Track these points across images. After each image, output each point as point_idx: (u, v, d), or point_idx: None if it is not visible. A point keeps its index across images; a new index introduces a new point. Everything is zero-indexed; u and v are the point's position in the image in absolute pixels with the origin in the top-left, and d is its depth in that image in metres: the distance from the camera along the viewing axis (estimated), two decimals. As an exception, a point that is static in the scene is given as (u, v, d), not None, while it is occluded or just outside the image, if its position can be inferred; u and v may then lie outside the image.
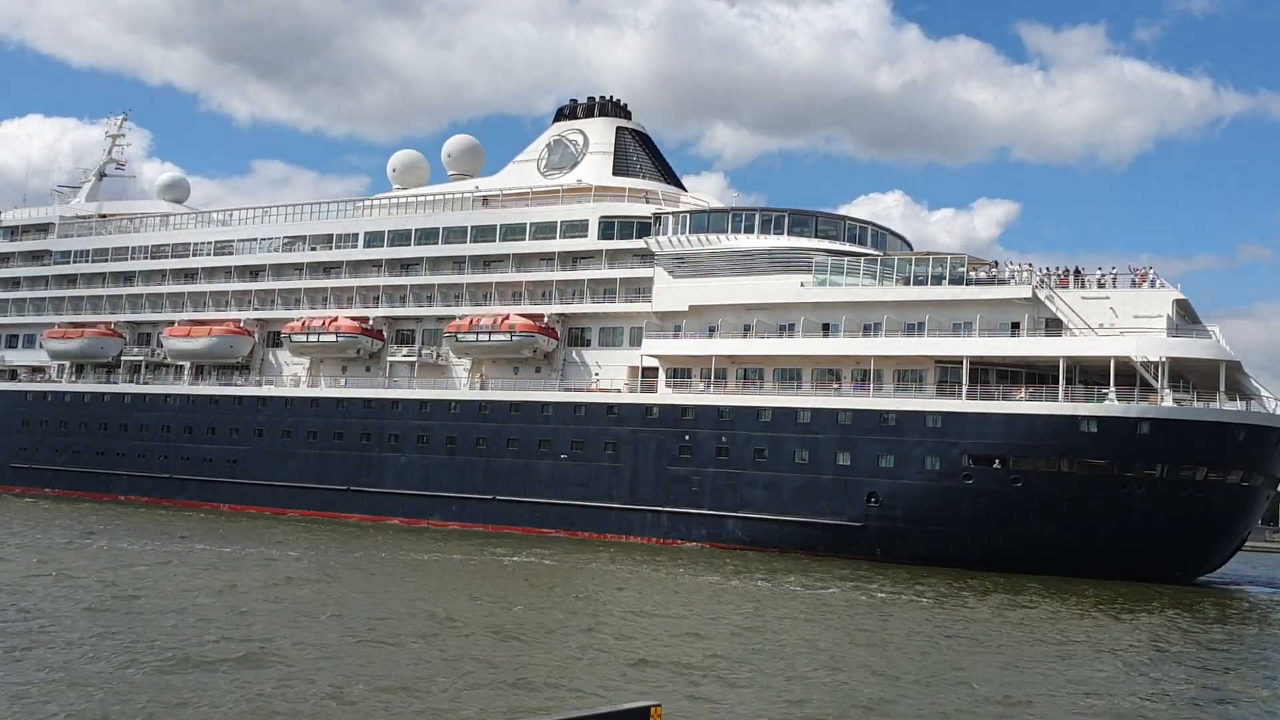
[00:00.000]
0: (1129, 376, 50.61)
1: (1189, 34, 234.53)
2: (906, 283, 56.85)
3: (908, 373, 56.04)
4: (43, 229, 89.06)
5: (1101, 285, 53.10)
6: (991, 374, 53.92)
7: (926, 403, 53.47)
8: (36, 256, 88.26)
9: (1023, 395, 51.79)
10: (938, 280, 56.18)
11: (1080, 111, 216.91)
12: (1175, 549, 50.76)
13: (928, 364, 55.36)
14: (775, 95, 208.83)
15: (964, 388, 53.00)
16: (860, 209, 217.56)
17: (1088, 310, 52.34)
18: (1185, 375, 51.62)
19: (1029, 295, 53.16)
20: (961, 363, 53.35)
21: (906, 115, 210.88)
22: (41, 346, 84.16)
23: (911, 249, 65.81)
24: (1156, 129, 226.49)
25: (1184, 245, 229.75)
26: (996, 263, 56.93)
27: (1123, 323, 51.54)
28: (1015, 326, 53.70)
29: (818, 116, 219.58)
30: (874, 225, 63.37)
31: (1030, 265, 55.03)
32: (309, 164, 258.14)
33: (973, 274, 56.00)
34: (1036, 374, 53.09)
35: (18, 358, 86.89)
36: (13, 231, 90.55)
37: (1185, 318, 54.13)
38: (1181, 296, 52.25)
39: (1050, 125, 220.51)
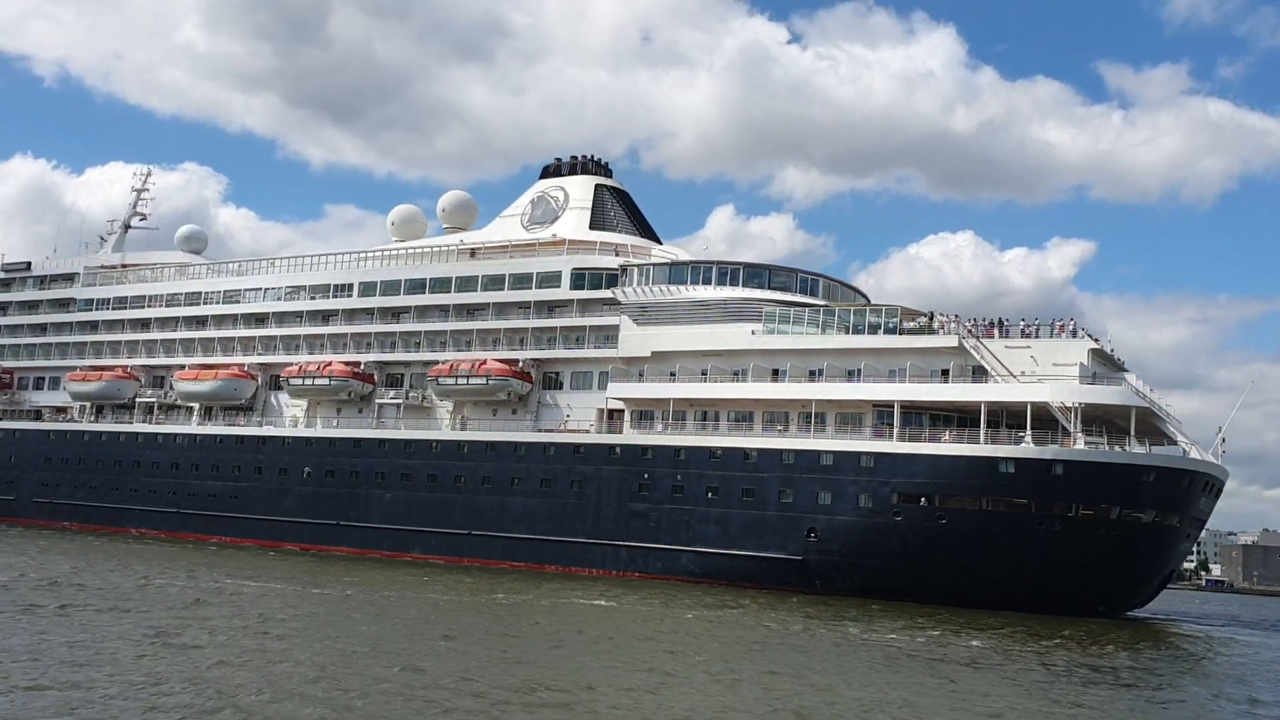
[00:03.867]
0: (1051, 421, 54.07)
1: (1275, 72, 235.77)
2: (847, 332, 60.72)
3: (848, 416, 59.73)
4: (69, 278, 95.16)
5: (1025, 335, 56.64)
6: (925, 418, 57.51)
7: (860, 444, 57.10)
8: (62, 304, 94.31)
9: (947, 438, 55.30)
10: (874, 330, 60.01)
11: (1161, 150, 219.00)
12: (1095, 584, 53.85)
13: (866, 408, 59.03)
14: (848, 136, 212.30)
15: (895, 430, 56.61)
16: (930, 248, 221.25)
17: (1010, 358, 55.90)
18: (1103, 420, 54.86)
19: (955, 344, 56.82)
20: (893, 407, 57.01)
21: (982, 155, 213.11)
22: (64, 388, 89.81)
23: (867, 300, 69.59)
24: (1240, 167, 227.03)
25: (1267, 285, 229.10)
26: (932, 314, 60.55)
27: (1043, 370, 55.02)
28: (945, 373, 57.34)
29: (891, 156, 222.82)
30: (825, 278, 67.37)
31: (957, 317, 58.74)
32: (381, 208, 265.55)
33: (907, 324, 59.72)
34: (968, 418, 56.57)
35: (43, 398, 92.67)
36: (42, 280, 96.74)
37: (1107, 365, 57.51)
38: (1096, 346, 55.74)
39: (1130, 164, 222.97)
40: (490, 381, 68.64)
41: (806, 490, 57.66)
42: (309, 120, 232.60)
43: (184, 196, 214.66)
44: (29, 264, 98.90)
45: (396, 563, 65.62)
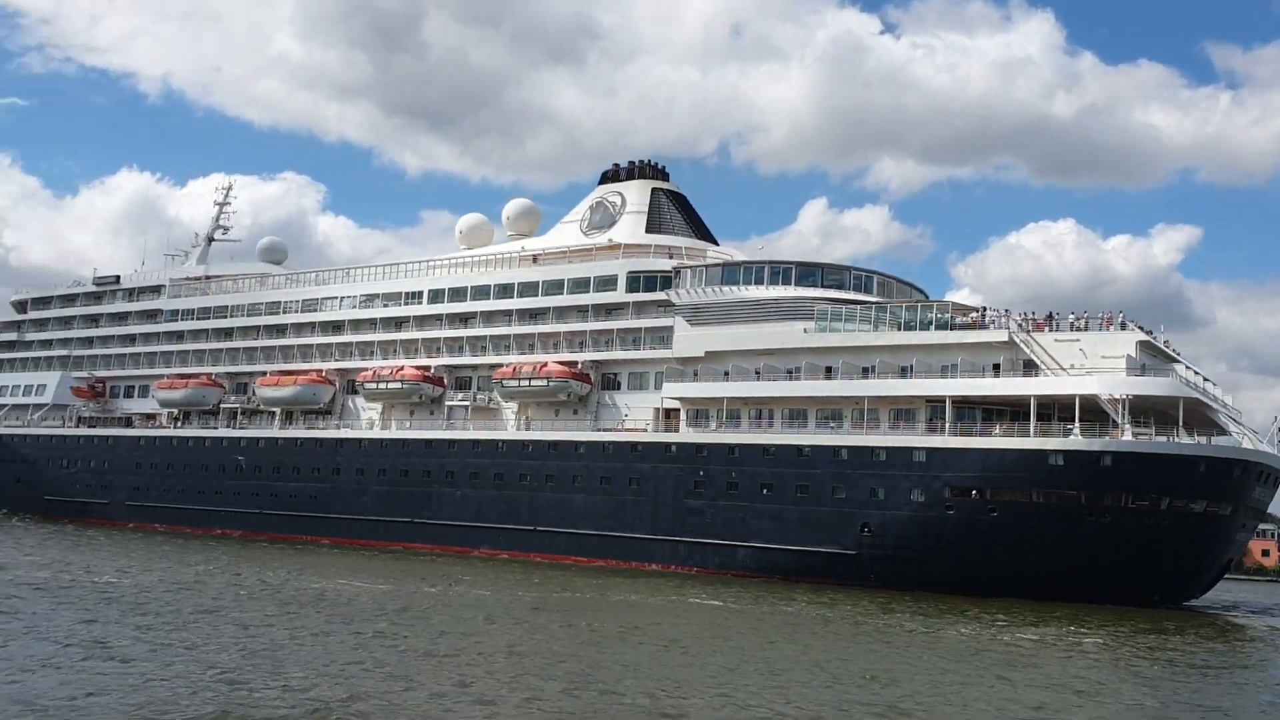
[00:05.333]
0: (1102, 413, 54.45)
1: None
2: (899, 328, 61.63)
3: (901, 411, 60.66)
4: (155, 290, 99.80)
5: (1074, 328, 57.02)
6: (977, 412, 58.22)
7: (912, 439, 58.05)
8: (150, 315, 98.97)
9: (997, 431, 55.98)
10: (925, 326, 60.82)
11: (1272, 131, 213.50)
12: (1148, 574, 54.13)
13: (919, 403, 59.86)
14: (945, 124, 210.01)
15: (947, 425, 57.43)
16: (1031, 237, 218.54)
17: (1060, 352, 56.33)
18: (1153, 411, 55.03)
19: (1006, 339, 57.42)
20: (945, 402, 57.82)
21: (1083, 140, 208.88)
22: (153, 396, 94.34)
23: (925, 295, 70.24)
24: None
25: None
26: (984, 309, 61.19)
27: (1091, 363, 55.37)
28: (996, 368, 57.97)
29: (989, 144, 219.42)
30: (879, 274, 68.26)
31: (1008, 312, 59.35)
32: (476, 212, 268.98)
33: (959, 319, 60.45)
34: (1019, 412, 57.12)
35: (133, 406, 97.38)
36: (131, 293, 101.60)
37: (1158, 356, 57.62)
38: (1145, 338, 55.91)
39: (1238, 146, 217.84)
40: (551, 383, 70.86)
41: (860, 485, 58.76)
42: (404, 128, 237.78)
43: (283, 206, 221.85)
44: (118, 277, 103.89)
45: (501, 561, 68.24)
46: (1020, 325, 58.03)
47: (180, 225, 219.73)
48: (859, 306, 63.63)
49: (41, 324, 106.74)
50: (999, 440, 55.49)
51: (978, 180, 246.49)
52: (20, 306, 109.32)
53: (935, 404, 58.79)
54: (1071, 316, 57.98)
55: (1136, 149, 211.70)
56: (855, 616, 44.85)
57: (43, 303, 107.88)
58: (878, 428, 60.30)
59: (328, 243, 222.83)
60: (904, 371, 60.67)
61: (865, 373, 61.83)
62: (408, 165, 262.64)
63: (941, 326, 60.28)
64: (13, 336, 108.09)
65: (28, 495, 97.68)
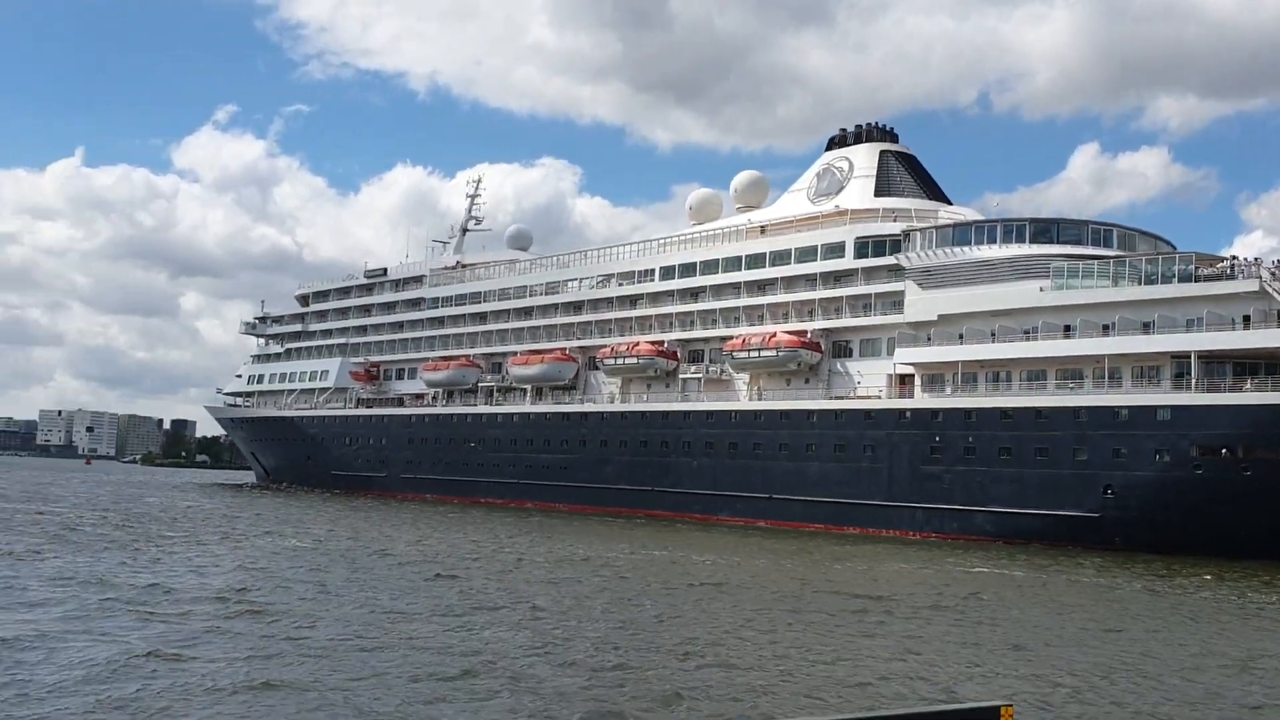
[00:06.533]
0: (1375, 363, 50.34)
1: None
2: (1139, 283, 58.80)
3: (1145, 369, 58.02)
4: (418, 280, 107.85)
5: (1338, 273, 52.75)
6: (1227, 367, 54.96)
7: (1154, 397, 55.51)
8: (414, 303, 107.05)
9: (1249, 386, 52.69)
10: (1169, 279, 57.76)
11: None
12: None
13: (1163, 360, 57.07)
14: (1230, 55, 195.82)
15: (1193, 381, 54.56)
16: None
17: (1321, 299, 52.31)
18: None
19: (1256, 288, 53.83)
20: (1190, 357, 54.90)
21: None
22: (420, 377, 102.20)
23: (1173, 246, 66.47)
24: None
25: None
26: (1235, 258, 57.44)
27: (1360, 310, 51.18)
28: (1246, 320, 54.46)
29: None
30: (1119, 227, 65.16)
31: (1258, 260, 55.43)
32: (727, 183, 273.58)
33: (1205, 270, 57.05)
34: (1274, 365, 53.56)
35: (403, 387, 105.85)
36: (397, 283, 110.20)
37: None
38: None
39: None
40: (780, 353, 71.93)
41: (1101, 447, 56.74)
42: (654, 103, 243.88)
43: (542, 191, 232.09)
44: (385, 269, 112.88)
45: (720, 527, 70.63)
46: (1273, 274, 54.19)
47: (451, 216, 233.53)
48: (1097, 262, 61.10)
49: (322, 315, 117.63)
50: (1252, 396, 52.24)
51: (1270, 113, 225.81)
52: (303, 300, 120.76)
53: (1180, 360, 55.89)
54: (1334, 261, 53.62)
55: None
56: (1158, 587, 40.96)
57: (322, 296, 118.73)
58: (1119, 386, 57.95)
59: (585, 223, 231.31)
60: (1146, 328, 57.88)
61: (1105, 330, 59.45)
62: (659, 141, 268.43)
63: (1185, 279, 57.09)
64: (298, 328, 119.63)
65: (316, 470, 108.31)
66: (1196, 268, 57.23)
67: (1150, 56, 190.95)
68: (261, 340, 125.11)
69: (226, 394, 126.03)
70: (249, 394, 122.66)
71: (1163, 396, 55.25)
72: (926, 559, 50.66)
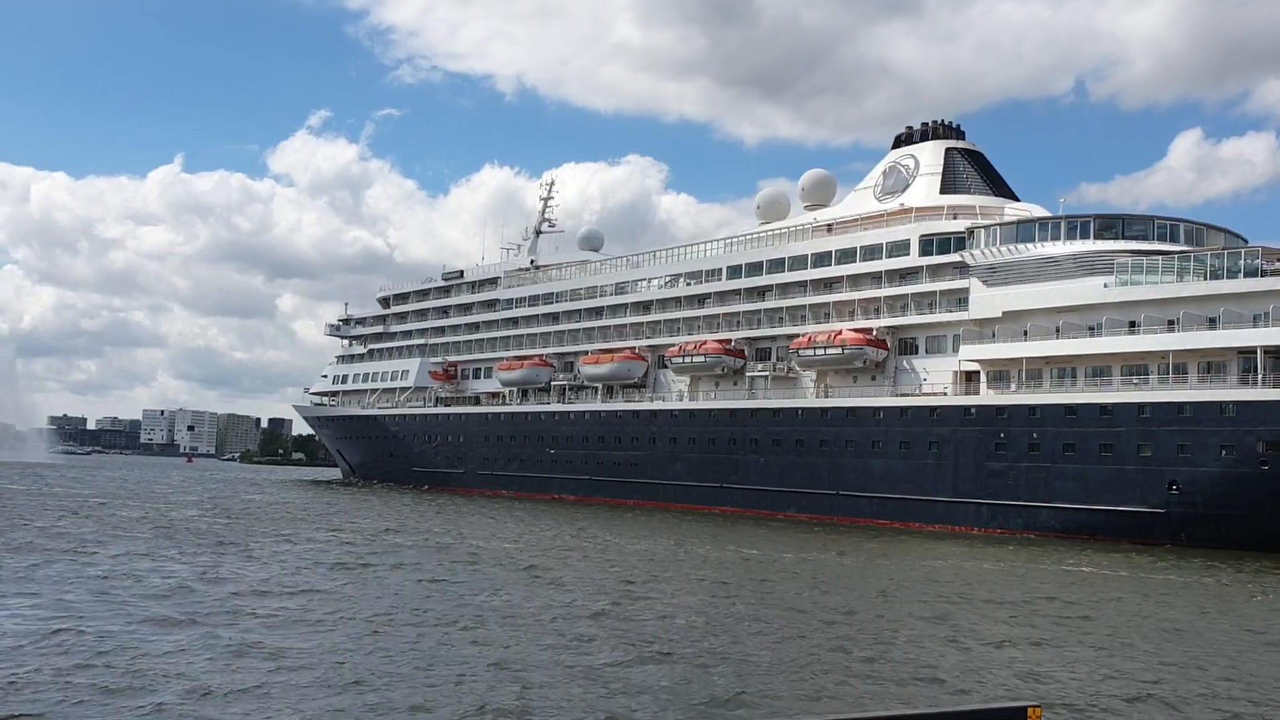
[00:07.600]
0: None
1: None
2: (1205, 278, 58.44)
3: (1211, 365, 57.68)
4: (493, 282, 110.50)
5: None
6: (1298, 362, 54.47)
7: (1220, 393, 55.20)
8: (489, 304, 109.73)
9: (1317, 382, 52.21)
10: (1235, 273, 57.33)
11: None
12: None
13: (1229, 355, 56.71)
14: None
15: (1259, 376, 54.16)
16: None
17: (1393, 293, 51.57)
18: None
19: (1326, 282, 53.26)
20: (1256, 352, 54.50)
21: None
22: (495, 376, 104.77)
23: (1243, 240, 65.73)
24: None
25: None
26: (1306, 251, 56.80)
27: None
28: (1316, 314, 53.90)
29: None
30: (1186, 222, 64.66)
31: (1327, 252, 54.70)
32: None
33: (1271, 265, 56.51)
34: (1347, 360, 52.97)
35: (480, 386, 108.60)
36: (473, 285, 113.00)
37: None
38: None
39: None
40: (846, 351, 72.68)
41: (1167, 443, 56.60)
42: (740, 98, 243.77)
43: (628, 189, 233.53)
44: (462, 272, 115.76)
45: (784, 523, 71.65)
46: (1345, 267, 53.55)
47: (537, 215, 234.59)
48: (1161, 257, 60.80)
49: (402, 317, 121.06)
50: (1320, 391, 51.74)
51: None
52: (384, 302, 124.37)
53: (1247, 355, 55.50)
54: (1407, 253, 52.78)
55: None
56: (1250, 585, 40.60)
57: (402, 298, 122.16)
58: (1185, 382, 57.69)
59: (670, 219, 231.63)
60: (1212, 323, 57.55)
61: (1171, 325, 59.19)
62: (745, 136, 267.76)
63: (1251, 273, 56.62)
64: (380, 329, 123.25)
65: (398, 466, 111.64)
66: (1264, 262, 56.71)
67: (1255, 39, 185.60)
68: (345, 341, 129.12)
69: (313, 393, 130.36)
70: (334, 393, 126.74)
71: (1228, 392, 54.96)
72: (1025, 557, 49.32)
